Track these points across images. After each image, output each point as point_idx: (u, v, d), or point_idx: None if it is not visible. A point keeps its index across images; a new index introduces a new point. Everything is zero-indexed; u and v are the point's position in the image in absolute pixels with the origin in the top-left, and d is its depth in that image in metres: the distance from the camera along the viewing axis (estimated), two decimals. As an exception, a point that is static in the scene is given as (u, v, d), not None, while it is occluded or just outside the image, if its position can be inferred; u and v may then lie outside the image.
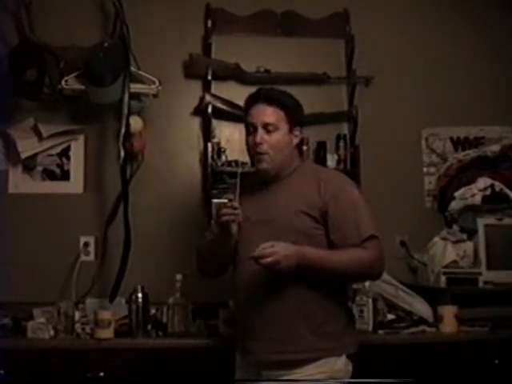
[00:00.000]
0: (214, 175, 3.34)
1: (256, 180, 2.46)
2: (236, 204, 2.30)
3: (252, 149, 2.40)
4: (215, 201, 2.46)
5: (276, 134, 2.36)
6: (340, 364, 2.32)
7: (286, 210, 2.35)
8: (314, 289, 2.30)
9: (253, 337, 2.36)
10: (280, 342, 2.29)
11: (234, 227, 2.34)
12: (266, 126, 2.36)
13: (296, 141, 2.42)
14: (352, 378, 2.36)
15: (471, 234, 3.32)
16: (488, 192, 3.41)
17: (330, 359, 2.30)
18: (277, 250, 2.17)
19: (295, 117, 2.40)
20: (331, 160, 3.44)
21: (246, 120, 2.43)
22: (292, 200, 2.36)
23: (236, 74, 3.46)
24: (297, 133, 2.42)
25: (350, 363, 2.36)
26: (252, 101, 2.42)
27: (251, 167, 2.58)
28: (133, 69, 3.27)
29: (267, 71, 3.47)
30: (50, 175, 3.41)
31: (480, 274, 3.17)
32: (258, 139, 2.35)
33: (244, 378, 2.41)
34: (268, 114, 2.36)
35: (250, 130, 2.40)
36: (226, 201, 2.36)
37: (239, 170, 2.48)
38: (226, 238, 2.37)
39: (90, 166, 3.42)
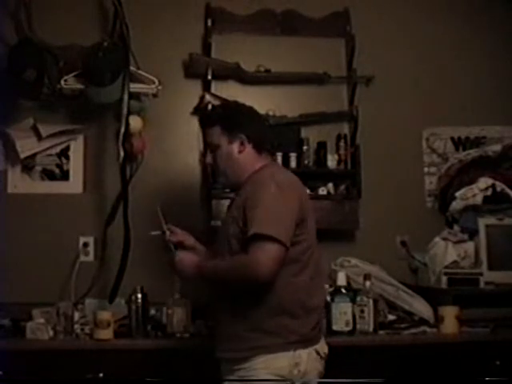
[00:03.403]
0: (214, 175, 3.33)
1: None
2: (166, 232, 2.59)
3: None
4: (153, 233, 2.67)
5: (218, 151, 2.46)
6: (284, 362, 2.28)
7: (226, 218, 2.46)
8: (245, 289, 2.31)
9: (213, 334, 2.50)
10: (223, 341, 2.38)
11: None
12: (210, 147, 2.50)
13: (241, 148, 2.44)
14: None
15: (472, 234, 3.32)
16: (489, 192, 3.40)
17: (271, 355, 2.28)
18: (176, 261, 2.41)
19: (231, 126, 2.45)
20: (331, 160, 3.43)
21: None
22: (232, 208, 2.43)
23: (236, 74, 3.46)
24: (241, 140, 2.43)
25: (302, 362, 2.29)
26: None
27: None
28: (132, 68, 3.25)
29: (267, 71, 3.46)
30: (49, 175, 3.40)
31: (481, 274, 3.16)
32: (207, 160, 2.53)
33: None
34: (207, 134, 2.51)
35: None
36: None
37: (158, 208, 2.65)
38: None
39: (90, 166, 3.42)
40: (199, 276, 2.38)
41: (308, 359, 2.31)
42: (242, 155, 2.44)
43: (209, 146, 2.50)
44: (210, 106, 3.34)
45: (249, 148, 2.44)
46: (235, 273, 2.29)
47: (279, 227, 2.23)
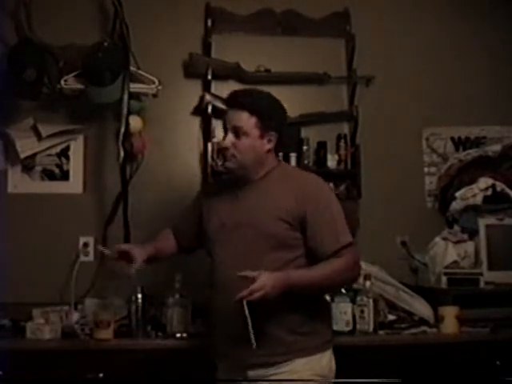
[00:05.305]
0: (214, 175, 3.33)
1: (228, 182, 2.49)
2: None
3: (222, 150, 2.44)
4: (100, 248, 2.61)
5: (245, 138, 2.36)
6: (324, 361, 2.36)
7: (262, 215, 2.36)
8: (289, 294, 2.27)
9: (231, 340, 2.35)
10: (259, 346, 2.22)
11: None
12: (235, 131, 2.37)
13: (268, 146, 2.40)
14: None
15: (472, 234, 3.32)
16: (489, 192, 3.40)
17: (314, 356, 2.32)
18: (264, 283, 2.17)
19: (268, 122, 2.38)
20: (331, 160, 3.44)
21: None
22: (268, 204, 2.36)
23: (236, 74, 3.45)
24: (270, 138, 2.39)
25: (333, 359, 2.40)
26: (226, 104, 2.45)
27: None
28: (132, 68, 3.26)
29: (267, 71, 3.46)
30: (49, 175, 3.40)
31: (481, 274, 3.16)
32: (225, 143, 2.38)
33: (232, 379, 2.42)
34: (238, 118, 2.37)
35: (225, 133, 2.43)
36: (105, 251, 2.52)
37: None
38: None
39: (90, 166, 3.41)
40: (284, 290, 2.22)
41: (333, 357, 2.42)
42: (265, 153, 2.40)
43: (232, 129, 2.38)
44: (210, 107, 3.35)
45: (272, 147, 2.42)
46: (334, 278, 2.32)
47: (348, 232, 2.38)
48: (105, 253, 2.52)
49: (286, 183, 2.39)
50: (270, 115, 2.39)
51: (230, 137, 2.38)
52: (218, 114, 3.39)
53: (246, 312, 2.17)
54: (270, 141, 2.40)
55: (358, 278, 2.49)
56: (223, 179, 2.61)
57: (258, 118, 2.36)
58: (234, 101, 2.41)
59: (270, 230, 2.33)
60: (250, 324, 2.17)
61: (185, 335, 2.87)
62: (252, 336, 2.17)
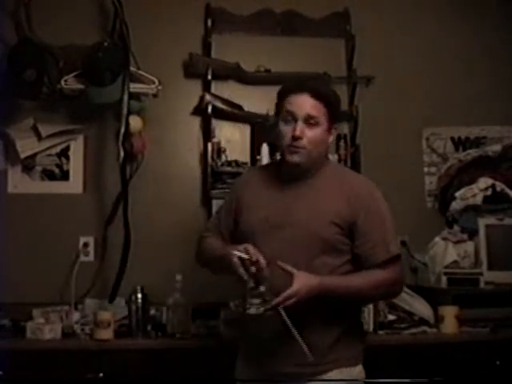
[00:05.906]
0: (214, 175, 3.34)
1: (277, 174, 2.33)
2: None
3: (286, 140, 2.22)
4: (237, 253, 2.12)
5: (316, 129, 2.20)
6: (355, 372, 2.26)
7: (311, 216, 2.20)
8: (331, 303, 2.19)
9: (267, 349, 2.21)
10: (297, 355, 2.11)
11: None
12: (307, 119, 2.20)
13: (331, 140, 2.29)
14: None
15: (472, 234, 3.32)
16: (489, 192, 3.40)
17: (345, 369, 2.22)
18: (298, 289, 2.06)
19: (335, 115, 2.27)
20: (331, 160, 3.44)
21: (283, 107, 2.24)
22: (320, 206, 2.21)
23: (236, 74, 3.46)
24: (332, 131, 2.28)
25: (363, 370, 2.30)
26: (295, 89, 2.24)
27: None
28: (132, 68, 3.26)
29: (267, 71, 3.46)
30: (49, 175, 3.40)
31: (481, 274, 3.16)
32: (298, 132, 2.18)
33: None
34: (312, 106, 2.20)
35: (287, 119, 2.22)
36: (246, 256, 2.11)
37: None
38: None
39: (90, 166, 3.41)
40: (318, 294, 2.11)
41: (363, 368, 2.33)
42: (326, 147, 2.29)
43: (305, 118, 2.19)
44: (210, 107, 3.35)
45: (332, 141, 2.34)
46: (374, 291, 2.22)
47: (397, 241, 2.30)
48: (244, 258, 2.12)
49: (337, 184, 2.26)
50: (336, 107, 2.30)
51: (302, 126, 2.20)
52: (218, 114, 3.41)
53: (287, 320, 2.05)
54: (332, 134, 2.28)
55: (398, 294, 2.43)
56: (268, 169, 2.43)
57: (330, 109, 2.23)
58: (309, 88, 2.22)
59: (321, 234, 2.18)
60: (295, 332, 2.06)
61: (185, 335, 2.87)
62: (304, 345, 2.06)
